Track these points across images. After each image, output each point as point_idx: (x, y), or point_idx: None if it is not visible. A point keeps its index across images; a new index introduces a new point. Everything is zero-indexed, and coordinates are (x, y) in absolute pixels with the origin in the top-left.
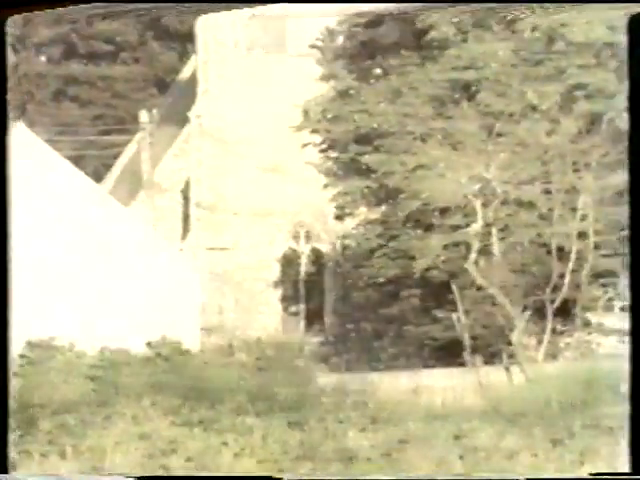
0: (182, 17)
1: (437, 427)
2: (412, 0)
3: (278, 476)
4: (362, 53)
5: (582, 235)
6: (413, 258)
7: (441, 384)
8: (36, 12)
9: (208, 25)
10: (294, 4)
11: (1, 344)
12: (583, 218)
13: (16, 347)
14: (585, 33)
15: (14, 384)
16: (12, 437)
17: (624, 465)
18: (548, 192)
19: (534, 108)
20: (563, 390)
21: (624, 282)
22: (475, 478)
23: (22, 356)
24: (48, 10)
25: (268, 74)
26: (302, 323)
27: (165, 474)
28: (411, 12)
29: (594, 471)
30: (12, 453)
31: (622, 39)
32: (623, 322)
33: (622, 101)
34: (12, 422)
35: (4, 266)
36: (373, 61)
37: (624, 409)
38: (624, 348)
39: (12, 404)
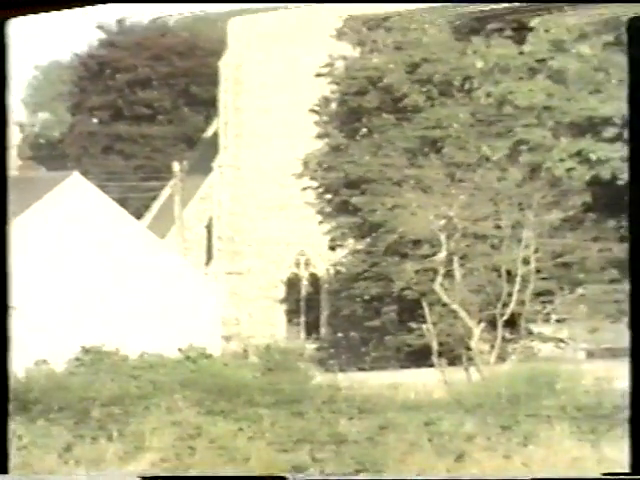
0: (207, 87)
1: (411, 416)
2: (413, 0)
3: (282, 455)
4: (351, 116)
5: (525, 262)
6: (391, 280)
7: (414, 381)
8: (89, 81)
9: (228, 93)
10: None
11: (1, 344)
12: (526, 248)
13: (72, 352)
14: (528, 99)
15: (72, 382)
16: (68, 423)
17: (560, 447)
18: (499, 227)
19: (487, 159)
20: (510, 386)
21: (559, 300)
22: (475, 478)
23: (77, 359)
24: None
25: (275, 133)
26: (302, 332)
27: (192, 454)
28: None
29: (536, 450)
30: (68, 437)
31: (560, 104)
32: (558, 332)
33: (558, 153)
34: (68, 412)
35: (4, 266)
36: (359, 122)
37: (558, 401)
38: (560, 352)
39: (69, 398)
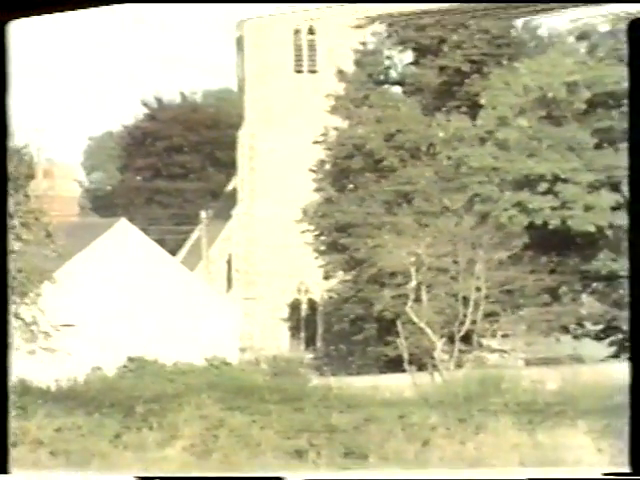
0: (228, 152)
1: (387, 411)
2: (415, 0)
3: (286, 441)
4: (340, 175)
5: (477, 289)
6: (372, 304)
7: (390, 383)
8: (134, 147)
9: (244, 157)
10: None
11: (1, 344)
12: (478, 279)
13: (121, 361)
14: (479, 161)
15: (120, 384)
16: (118, 417)
17: (504, 435)
18: (456, 262)
19: (448, 209)
20: (466, 387)
21: (503, 319)
22: (475, 478)
23: (125, 366)
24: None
25: (281, 188)
26: (302, 345)
27: (215, 440)
28: (374, 149)
29: (485, 437)
30: (117, 427)
31: (504, 165)
32: (503, 344)
33: (503, 204)
34: (118, 408)
35: (4, 266)
36: (347, 180)
37: (503, 399)
38: (504, 361)
39: (119, 397)
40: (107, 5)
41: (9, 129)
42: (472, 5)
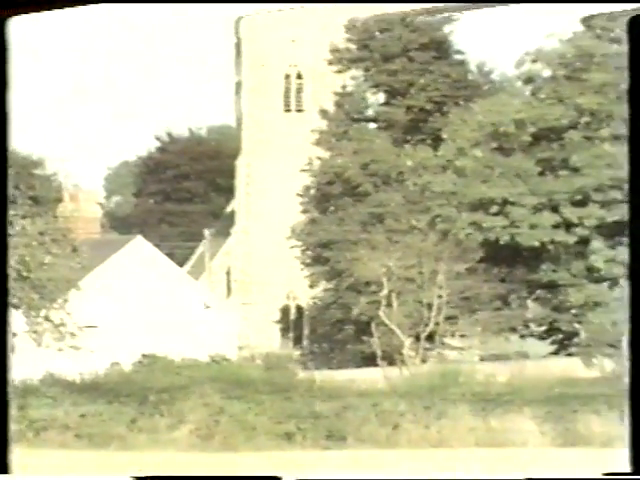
0: (227, 179)
1: (363, 400)
2: (416, 0)
3: (277, 426)
4: (323, 199)
5: (439, 296)
6: (350, 309)
7: (366, 376)
8: (148, 175)
9: (241, 183)
10: None
11: (1, 344)
12: (440, 288)
13: (135, 357)
14: (441, 186)
15: (135, 377)
16: (133, 405)
17: (461, 420)
18: (421, 273)
19: (414, 227)
20: (429, 380)
21: (461, 322)
22: (475, 478)
23: (139, 362)
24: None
25: (273, 210)
26: (291, 344)
27: (216, 425)
28: (351, 176)
29: (446, 422)
30: (133, 413)
31: (462, 190)
32: (461, 343)
33: (461, 223)
34: (133, 398)
35: (4, 266)
36: (329, 203)
37: (460, 390)
38: (461, 357)
39: (134, 388)
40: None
41: (9, 127)
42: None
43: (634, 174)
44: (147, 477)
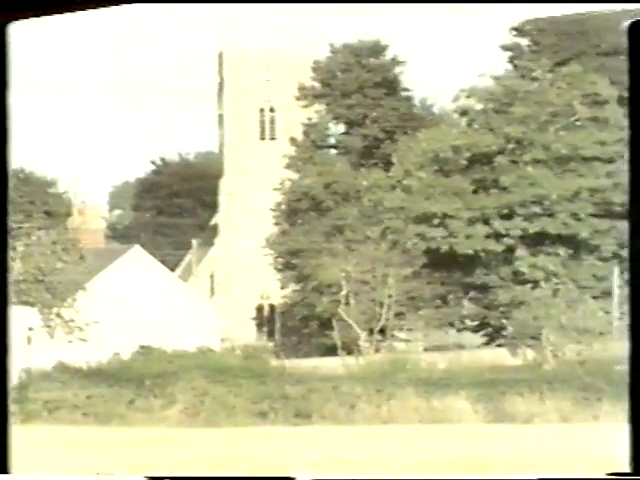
0: (212, 196)
1: (325, 384)
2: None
3: (253, 405)
4: (292, 214)
5: (389, 296)
6: (315, 307)
7: (327, 364)
8: (144, 193)
9: (224, 200)
10: None
11: (1, 343)
12: (390, 289)
13: (133, 348)
14: (391, 202)
15: (134, 365)
16: (132, 388)
17: (408, 400)
18: (375, 277)
19: (369, 238)
20: (381, 367)
21: (408, 317)
22: (476, 478)
23: (137, 352)
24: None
25: (250, 224)
26: (265, 337)
27: (201, 405)
28: (316, 195)
29: (395, 403)
30: (131, 395)
31: (409, 205)
32: (408, 336)
33: (408, 234)
34: (132, 382)
35: (4, 266)
36: (297, 217)
37: (408, 375)
38: (408, 348)
39: (132, 374)
40: (113, 5)
41: (9, 133)
42: None
43: (634, 179)
44: (160, 477)
